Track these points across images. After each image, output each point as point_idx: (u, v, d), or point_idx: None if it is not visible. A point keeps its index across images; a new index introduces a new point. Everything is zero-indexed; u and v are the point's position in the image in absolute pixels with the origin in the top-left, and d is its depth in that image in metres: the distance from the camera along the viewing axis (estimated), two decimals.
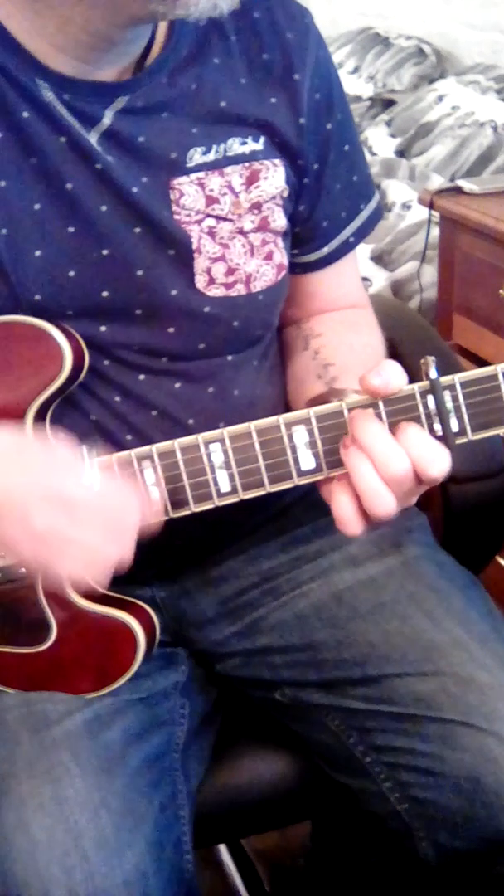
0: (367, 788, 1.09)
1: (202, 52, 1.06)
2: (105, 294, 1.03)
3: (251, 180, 1.07)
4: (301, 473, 0.98)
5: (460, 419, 0.95)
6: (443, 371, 0.95)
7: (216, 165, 1.05)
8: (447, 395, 0.95)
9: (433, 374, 0.94)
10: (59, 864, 0.93)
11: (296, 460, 0.98)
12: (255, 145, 1.07)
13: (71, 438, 1.00)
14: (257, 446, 0.98)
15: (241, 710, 1.22)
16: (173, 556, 1.15)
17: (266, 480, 0.98)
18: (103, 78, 1.01)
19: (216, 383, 1.11)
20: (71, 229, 1.01)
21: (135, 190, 1.02)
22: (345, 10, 3.88)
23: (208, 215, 1.05)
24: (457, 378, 0.95)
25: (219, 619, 1.19)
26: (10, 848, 0.94)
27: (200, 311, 1.07)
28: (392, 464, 0.92)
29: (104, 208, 1.01)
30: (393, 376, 0.94)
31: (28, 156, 0.99)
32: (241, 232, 1.07)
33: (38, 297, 1.01)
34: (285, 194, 1.10)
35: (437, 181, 2.80)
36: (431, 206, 2.35)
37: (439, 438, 0.95)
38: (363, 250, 2.68)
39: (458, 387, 0.95)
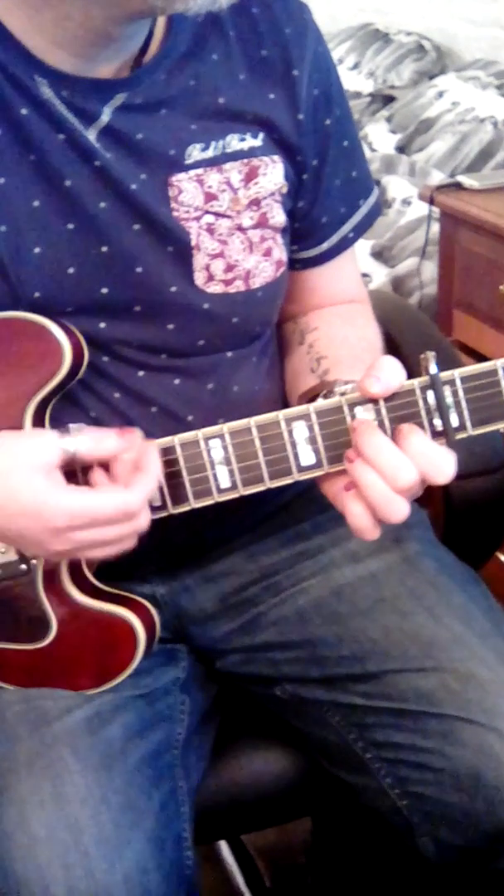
0: (368, 784, 1.09)
1: (200, 48, 1.06)
2: (104, 291, 1.03)
3: (250, 177, 1.07)
4: (301, 469, 0.98)
5: (460, 414, 0.95)
6: (443, 366, 0.95)
7: (215, 162, 1.05)
8: (447, 391, 0.95)
9: (433, 369, 0.94)
10: (59, 861, 0.93)
11: (296, 456, 0.98)
12: (254, 141, 1.07)
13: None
14: (257, 442, 0.98)
15: (241, 707, 1.22)
16: (173, 552, 1.15)
17: (266, 476, 0.99)
18: (102, 75, 1.01)
19: (215, 379, 1.11)
20: (70, 226, 1.01)
21: (133, 187, 1.02)
22: (344, 6, 3.88)
23: (207, 212, 1.05)
24: (457, 373, 0.95)
25: (219, 615, 1.19)
26: (10, 844, 0.94)
27: (199, 308, 1.07)
28: (400, 476, 0.92)
29: (103, 205, 1.01)
30: (392, 378, 0.94)
31: (27, 153, 0.99)
32: (240, 228, 1.07)
33: (37, 294, 1.01)
34: (284, 190, 1.10)
35: (438, 177, 2.80)
36: (432, 201, 2.36)
37: (439, 434, 0.95)
38: (363, 246, 2.68)
39: (458, 382, 0.95)
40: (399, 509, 0.93)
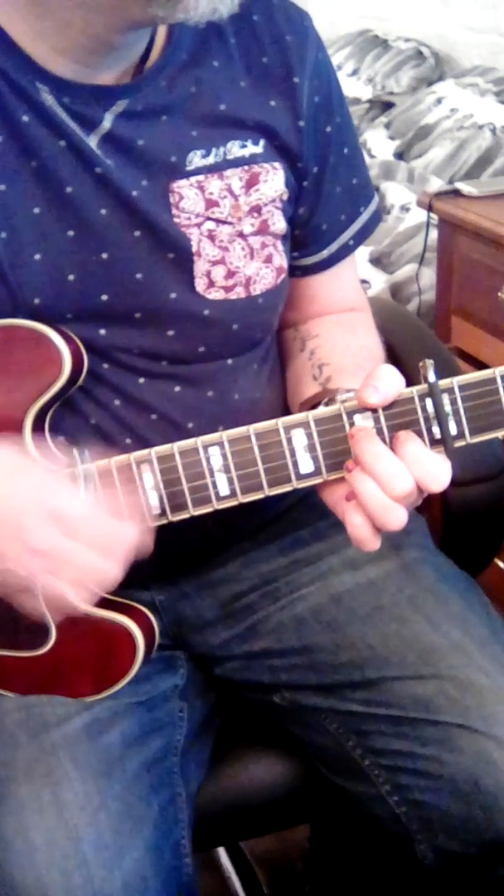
0: (366, 791, 1.09)
1: (201, 55, 1.06)
2: (104, 297, 1.03)
3: (251, 183, 1.07)
4: (300, 477, 0.98)
5: (459, 422, 0.95)
6: (441, 374, 0.95)
7: (216, 168, 1.05)
8: (446, 399, 0.95)
9: (431, 377, 0.94)
10: (57, 868, 0.93)
11: (294, 464, 0.98)
12: (255, 148, 1.07)
13: (66, 445, 1.00)
14: (256, 450, 0.98)
15: (240, 714, 1.22)
16: (172, 559, 1.14)
17: (265, 484, 0.99)
18: (103, 81, 1.01)
19: (216, 386, 1.11)
20: (70, 233, 1.01)
21: (134, 193, 1.02)
22: (344, 13, 3.88)
23: (208, 218, 1.05)
24: (455, 381, 0.95)
25: (218, 622, 1.19)
26: (8, 852, 0.94)
27: (200, 315, 1.07)
28: (396, 484, 0.92)
29: (104, 212, 1.01)
30: (390, 387, 0.94)
31: (28, 159, 0.99)
32: (241, 235, 1.07)
33: (37, 301, 1.01)
34: (285, 197, 1.10)
35: (436, 183, 2.80)
36: (430, 208, 2.36)
37: (438, 442, 0.95)
38: (362, 252, 2.68)
39: (456, 390, 0.95)
40: (397, 517, 0.93)
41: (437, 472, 0.94)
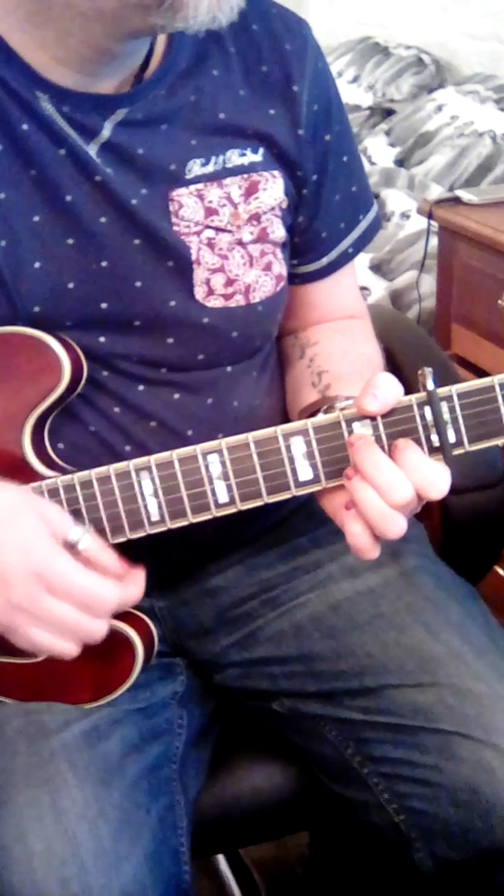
0: (365, 799, 1.08)
1: (201, 63, 1.06)
2: (104, 305, 1.03)
3: (250, 192, 1.07)
4: (299, 484, 0.98)
5: (458, 430, 0.95)
6: (441, 382, 0.95)
7: (215, 177, 1.06)
8: (444, 407, 0.95)
9: (430, 385, 0.94)
10: (56, 875, 0.93)
11: (293, 471, 0.98)
12: (254, 157, 1.07)
13: (68, 468, 1.01)
14: (255, 457, 0.98)
15: (239, 721, 1.22)
16: (172, 566, 1.15)
17: (264, 491, 0.99)
18: (103, 90, 1.01)
19: (215, 394, 1.11)
20: (70, 241, 1.01)
21: (134, 202, 1.02)
22: (344, 20, 3.89)
23: (207, 226, 1.06)
24: (454, 389, 0.95)
25: (217, 629, 1.19)
26: (7, 858, 0.94)
27: (199, 322, 1.07)
28: (396, 492, 0.92)
29: (103, 220, 1.02)
30: (389, 395, 0.94)
31: (28, 168, 1.00)
32: (240, 243, 1.08)
33: (37, 309, 1.02)
34: (284, 205, 1.10)
35: (436, 191, 2.80)
36: (430, 215, 2.36)
37: (436, 449, 0.95)
38: (362, 259, 2.68)
39: (455, 398, 0.95)
40: (397, 525, 0.93)
41: (437, 480, 0.94)
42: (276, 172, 1.09)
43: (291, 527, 1.22)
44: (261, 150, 1.08)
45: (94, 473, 0.99)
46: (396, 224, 2.80)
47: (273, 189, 1.09)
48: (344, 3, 3.92)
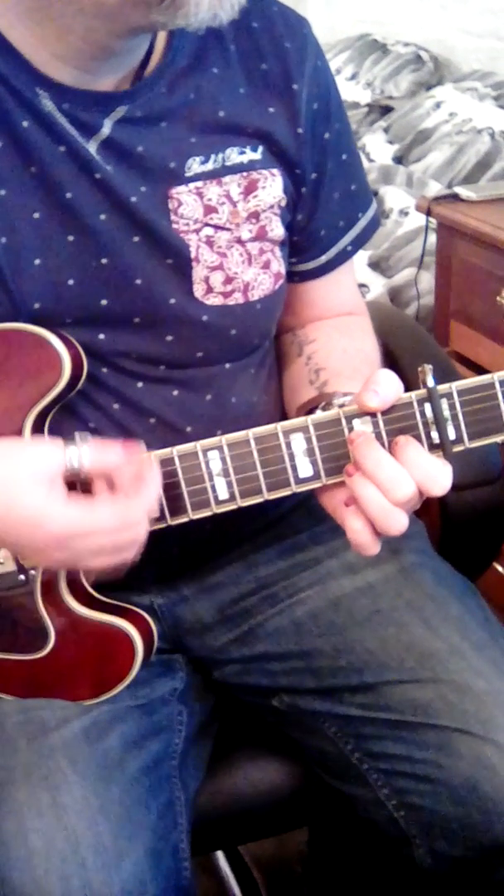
0: (364, 795, 1.09)
1: (201, 61, 1.06)
2: (104, 302, 1.04)
3: (249, 190, 1.07)
4: (299, 481, 0.98)
5: (457, 427, 0.96)
6: (440, 378, 0.95)
7: (214, 175, 1.06)
8: (444, 404, 0.95)
9: (430, 382, 0.94)
10: (56, 872, 0.93)
11: (294, 468, 0.98)
12: (254, 155, 1.07)
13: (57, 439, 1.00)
14: (255, 454, 0.98)
15: (238, 717, 1.23)
16: (171, 563, 1.15)
17: (264, 488, 0.99)
18: (102, 87, 1.01)
19: (214, 391, 1.11)
20: (70, 238, 1.02)
21: (133, 199, 1.02)
22: (343, 17, 3.89)
23: (206, 224, 1.06)
24: (454, 386, 0.95)
25: (216, 625, 1.19)
26: (7, 855, 0.94)
27: (198, 320, 1.07)
28: (398, 489, 0.93)
29: (103, 217, 1.02)
30: (389, 391, 0.94)
31: (28, 165, 1.00)
32: (239, 241, 1.08)
33: (37, 305, 1.02)
34: (283, 203, 1.10)
35: (435, 188, 2.80)
36: (429, 212, 2.36)
37: (436, 446, 0.96)
38: (361, 257, 2.69)
39: (455, 395, 0.95)
40: (398, 521, 0.94)
41: (439, 476, 0.94)
42: (275, 170, 1.09)
43: (291, 524, 1.22)
44: (260, 149, 1.08)
45: (88, 451, 0.99)
46: (395, 221, 2.79)
47: (272, 187, 1.09)
48: (342, 1, 3.92)
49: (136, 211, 1.02)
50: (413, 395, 0.95)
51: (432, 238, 2.43)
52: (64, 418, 1.04)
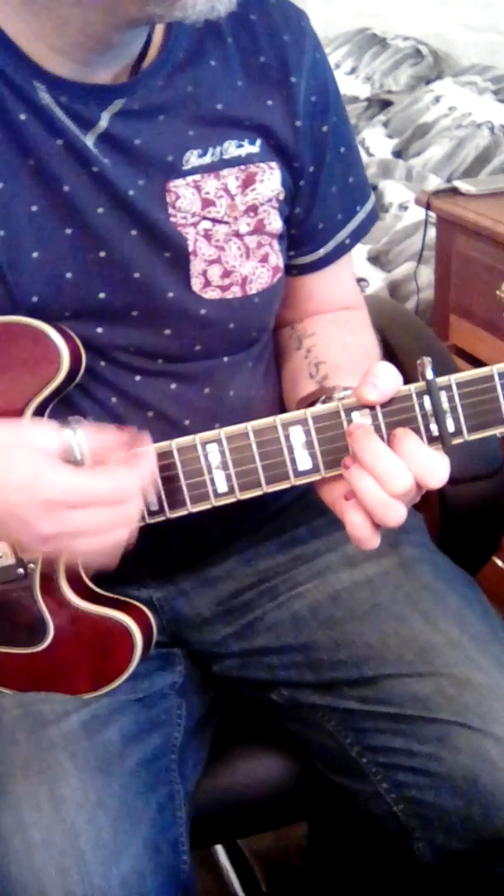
0: (364, 789, 1.09)
1: (199, 54, 1.06)
2: (102, 296, 1.03)
3: (247, 183, 1.07)
4: (298, 474, 0.98)
5: (457, 420, 0.95)
6: (439, 372, 0.95)
7: (212, 168, 1.05)
8: (443, 396, 0.95)
9: (429, 374, 0.94)
10: (55, 865, 0.93)
11: (293, 461, 0.98)
12: (252, 148, 1.07)
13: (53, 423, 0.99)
14: (254, 447, 0.98)
15: (238, 711, 1.23)
16: (170, 556, 1.15)
17: (263, 481, 0.99)
18: (100, 80, 1.01)
19: (212, 384, 1.11)
20: (68, 231, 1.01)
21: (131, 192, 1.02)
22: (342, 11, 3.88)
23: (204, 218, 1.06)
24: (453, 379, 0.95)
25: (215, 619, 1.19)
26: (6, 849, 0.94)
27: (196, 313, 1.07)
28: (396, 481, 0.92)
29: (101, 210, 1.02)
30: (388, 384, 0.94)
31: (25, 158, 1.00)
32: (237, 234, 1.07)
33: (35, 299, 1.02)
34: (281, 197, 1.10)
35: (434, 182, 2.80)
36: (428, 206, 2.35)
37: (435, 439, 0.95)
38: (360, 251, 2.69)
39: (454, 387, 0.95)
40: (397, 513, 0.93)
41: (436, 469, 0.94)
42: (273, 163, 1.09)
43: (290, 517, 1.22)
44: (258, 142, 1.08)
45: (84, 438, 0.98)
46: (394, 215, 2.79)
47: (270, 180, 1.09)
48: None
49: (133, 204, 1.02)
50: (412, 387, 0.95)
51: (432, 232, 2.43)
52: (62, 412, 1.04)
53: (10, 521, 0.93)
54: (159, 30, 1.05)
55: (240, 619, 1.18)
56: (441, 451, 0.95)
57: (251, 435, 0.98)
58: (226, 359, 1.11)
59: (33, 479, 0.91)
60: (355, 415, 0.96)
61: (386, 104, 3.40)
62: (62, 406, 1.03)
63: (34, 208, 1.00)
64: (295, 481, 0.99)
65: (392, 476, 0.92)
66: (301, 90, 1.09)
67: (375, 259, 2.72)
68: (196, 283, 1.06)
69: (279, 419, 0.97)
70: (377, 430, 0.95)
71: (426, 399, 0.95)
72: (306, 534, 1.20)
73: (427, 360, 0.94)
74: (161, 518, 1.00)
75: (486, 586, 1.20)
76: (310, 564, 1.17)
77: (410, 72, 3.40)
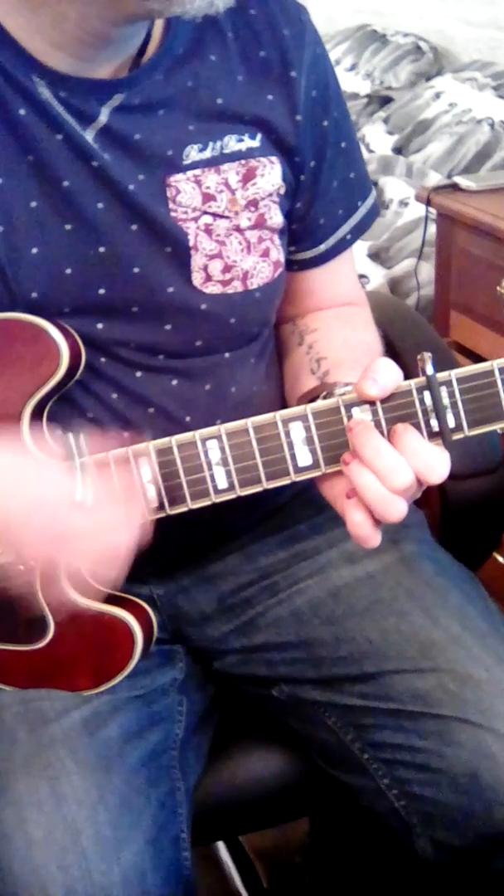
0: (365, 785, 1.09)
1: (199, 49, 1.06)
2: (102, 291, 1.03)
3: (248, 177, 1.07)
4: (298, 470, 0.98)
5: (457, 415, 0.95)
6: (440, 367, 0.95)
7: (213, 163, 1.05)
8: (444, 391, 0.95)
9: (430, 370, 0.94)
10: (56, 862, 0.93)
11: (293, 457, 0.98)
12: (252, 142, 1.07)
13: (62, 435, 1.00)
14: (254, 443, 0.98)
15: (238, 707, 1.23)
16: (171, 553, 1.15)
17: (263, 477, 0.98)
18: (100, 75, 1.01)
19: (213, 380, 1.11)
20: (68, 227, 1.01)
21: (131, 187, 1.02)
22: (342, 7, 3.88)
23: (205, 212, 1.05)
24: (453, 374, 0.95)
25: (216, 616, 1.19)
26: (7, 846, 0.94)
27: (197, 309, 1.07)
28: (397, 477, 0.92)
29: (101, 206, 1.01)
30: (389, 379, 0.94)
31: (25, 153, 0.99)
32: (238, 229, 1.07)
33: (34, 295, 1.01)
34: (282, 191, 1.10)
35: (435, 178, 2.80)
36: (428, 202, 2.36)
37: (436, 434, 0.95)
38: (360, 247, 2.69)
39: (454, 383, 0.95)
40: (397, 508, 0.93)
41: (437, 464, 0.93)
42: (273, 158, 1.09)
43: (290, 513, 1.22)
44: (258, 136, 1.08)
45: (91, 459, 0.99)
46: (395, 212, 2.79)
47: (271, 175, 1.08)
48: None
49: (133, 199, 1.02)
50: (413, 382, 0.95)
51: (432, 228, 2.43)
52: (62, 408, 1.04)
53: (11, 518, 0.95)
54: (159, 24, 1.04)
55: (240, 616, 1.18)
56: (441, 447, 0.95)
57: (251, 431, 0.97)
58: (227, 355, 1.11)
59: (38, 501, 0.94)
60: (355, 410, 0.96)
61: (386, 100, 3.40)
62: (62, 403, 1.03)
63: (34, 204, 1.00)
64: (295, 477, 0.98)
65: (393, 472, 0.92)
66: (301, 85, 1.09)
67: (376, 255, 2.72)
68: (197, 278, 1.06)
69: (279, 415, 0.97)
70: (377, 425, 0.95)
71: (426, 394, 0.95)
72: (307, 530, 1.20)
73: (427, 355, 0.94)
74: (161, 514, 1.00)
75: (487, 582, 1.20)
76: (310, 561, 1.17)
77: (411, 68, 3.40)
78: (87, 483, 0.97)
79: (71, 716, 1.03)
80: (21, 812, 0.96)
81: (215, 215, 1.06)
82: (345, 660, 1.10)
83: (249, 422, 0.97)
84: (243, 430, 0.97)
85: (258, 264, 1.09)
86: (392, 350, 1.31)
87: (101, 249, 1.02)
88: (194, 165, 1.04)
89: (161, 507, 1.00)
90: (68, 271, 1.02)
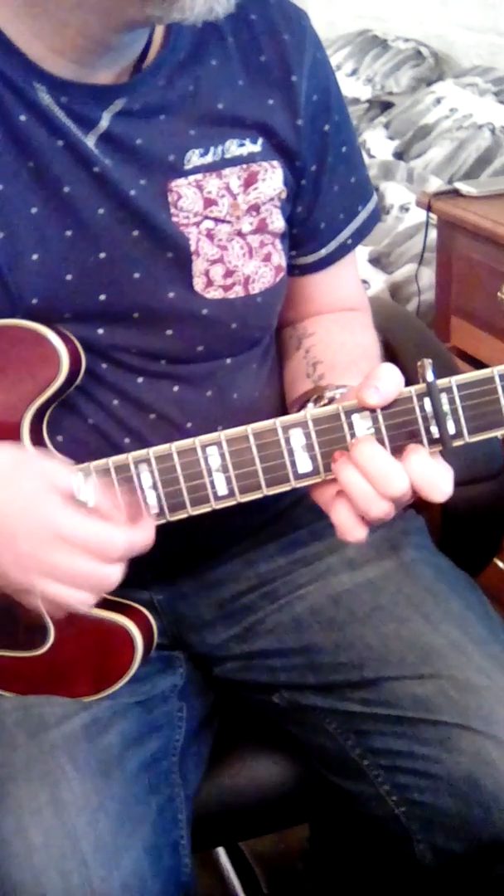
0: (365, 791, 1.09)
1: (199, 53, 1.06)
2: (103, 297, 1.03)
3: (249, 182, 1.07)
4: (298, 476, 0.98)
5: (457, 422, 0.95)
6: (440, 374, 0.95)
7: (214, 167, 1.05)
8: (444, 398, 0.94)
9: (430, 376, 0.94)
10: (56, 869, 0.93)
11: (293, 463, 0.98)
12: (253, 147, 1.07)
13: (67, 460, 1.00)
14: (254, 449, 0.97)
15: (239, 714, 1.22)
16: (171, 559, 1.14)
17: (263, 483, 0.98)
18: (100, 81, 1.01)
19: (215, 386, 1.10)
20: (68, 233, 1.01)
21: (132, 193, 1.02)
22: (343, 13, 3.88)
23: (206, 217, 1.05)
24: (453, 381, 0.95)
25: (216, 622, 1.19)
26: (7, 852, 0.94)
27: (199, 314, 1.07)
28: (390, 483, 0.92)
29: (102, 211, 1.01)
30: (390, 387, 0.94)
31: (25, 159, 0.99)
32: (240, 234, 1.07)
33: (35, 301, 1.01)
34: (283, 196, 1.10)
35: (435, 183, 2.80)
36: (429, 208, 2.35)
37: (436, 441, 0.95)
38: (361, 252, 2.68)
39: (454, 389, 0.94)
40: (379, 507, 0.93)
41: (441, 483, 0.93)
42: (275, 162, 1.09)
43: (290, 519, 1.21)
44: (260, 141, 1.08)
45: (92, 466, 0.99)
46: (395, 217, 2.79)
47: (272, 179, 1.08)
48: None
49: (135, 204, 1.02)
50: (413, 389, 0.95)
51: (433, 234, 2.43)
52: (63, 414, 1.04)
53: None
54: (160, 30, 1.04)
55: (241, 622, 1.18)
56: (445, 464, 0.94)
57: (251, 437, 0.97)
58: (229, 360, 1.11)
59: (36, 500, 0.93)
60: (355, 417, 0.96)
61: (387, 106, 3.40)
62: (63, 409, 1.03)
63: (34, 210, 1.00)
64: (295, 484, 0.98)
65: (386, 477, 0.92)
66: (302, 89, 1.09)
67: (376, 261, 2.72)
68: (198, 283, 1.06)
69: (279, 422, 0.97)
70: (377, 432, 0.95)
71: (427, 401, 0.95)
72: (307, 536, 1.20)
73: (428, 361, 0.94)
74: (161, 521, 1.00)
75: (488, 588, 1.20)
76: (310, 567, 1.17)
77: (411, 73, 3.40)
78: (88, 483, 0.97)
79: (71, 722, 1.03)
80: (21, 818, 0.96)
81: (217, 220, 1.06)
82: (345, 666, 1.10)
83: (249, 428, 0.97)
84: (243, 436, 0.97)
85: (260, 269, 1.09)
86: (392, 356, 1.31)
87: (102, 255, 1.02)
88: (196, 170, 1.04)
89: (161, 513, 1.00)
90: (69, 277, 1.02)
